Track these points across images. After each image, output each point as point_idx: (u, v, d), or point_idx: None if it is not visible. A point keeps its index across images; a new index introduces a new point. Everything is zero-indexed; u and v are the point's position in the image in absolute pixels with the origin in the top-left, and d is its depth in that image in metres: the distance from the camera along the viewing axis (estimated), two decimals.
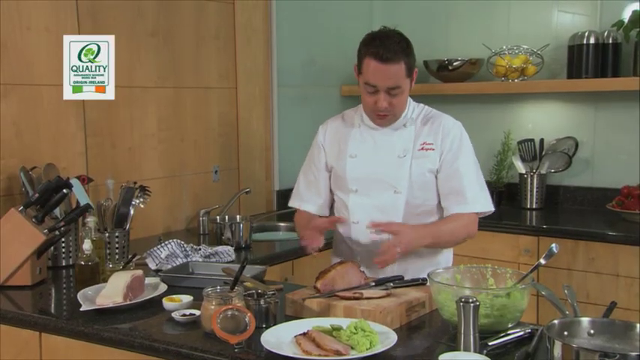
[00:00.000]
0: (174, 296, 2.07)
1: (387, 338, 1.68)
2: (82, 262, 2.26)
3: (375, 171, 2.33)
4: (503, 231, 3.44)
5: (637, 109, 3.63)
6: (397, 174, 2.30)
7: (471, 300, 1.63)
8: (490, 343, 1.68)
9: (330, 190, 2.46)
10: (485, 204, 2.31)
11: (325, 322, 1.77)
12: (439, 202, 2.34)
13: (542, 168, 3.81)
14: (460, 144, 2.31)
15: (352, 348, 1.64)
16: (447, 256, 2.43)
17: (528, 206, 3.81)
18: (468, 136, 2.35)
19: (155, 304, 2.08)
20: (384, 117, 2.30)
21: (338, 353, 1.60)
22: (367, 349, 1.62)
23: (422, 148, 2.31)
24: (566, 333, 1.62)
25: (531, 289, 1.83)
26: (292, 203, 2.52)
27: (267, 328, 1.79)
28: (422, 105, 2.41)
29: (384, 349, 1.63)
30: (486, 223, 3.35)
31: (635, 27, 3.48)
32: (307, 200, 2.47)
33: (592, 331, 1.63)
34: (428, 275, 1.92)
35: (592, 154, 3.83)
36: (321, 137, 2.47)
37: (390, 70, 2.19)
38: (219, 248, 2.75)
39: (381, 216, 2.30)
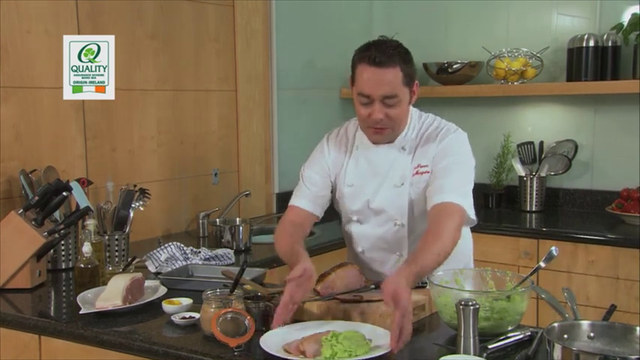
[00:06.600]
0: (173, 299, 2.07)
1: (386, 341, 1.68)
2: (82, 265, 2.25)
3: (372, 201, 2.18)
4: (503, 234, 3.44)
5: (636, 112, 3.63)
6: (396, 205, 2.16)
7: (470, 303, 1.63)
8: (490, 346, 1.68)
9: (328, 193, 2.33)
10: (468, 208, 2.06)
11: (344, 327, 1.74)
12: None
13: (541, 171, 3.81)
14: (452, 150, 2.11)
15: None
16: (467, 257, 2.32)
17: (528, 209, 3.80)
18: (469, 148, 2.15)
19: (155, 306, 2.08)
20: (380, 131, 2.10)
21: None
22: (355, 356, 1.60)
23: (416, 172, 2.14)
24: (566, 336, 1.62)
25: (531, 291, 1.83)
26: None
27: (266, 330, 1.78)
28: (429, 119, 2.20)
29: (383, 352, 1.63)
30: (486, 225, 3.40)
31: (635, 30, 3.48)
32: (297, 196, 2.28)
33: (592, 334, 1.62)
34: (427, 278, 1.91)
35: (592, 156, 3.83)
36: (326, 150, 2.28)
37: (383, 75, 2.00)
38: (219, 251, 2.75)
39: (386, 247, 2.23)
